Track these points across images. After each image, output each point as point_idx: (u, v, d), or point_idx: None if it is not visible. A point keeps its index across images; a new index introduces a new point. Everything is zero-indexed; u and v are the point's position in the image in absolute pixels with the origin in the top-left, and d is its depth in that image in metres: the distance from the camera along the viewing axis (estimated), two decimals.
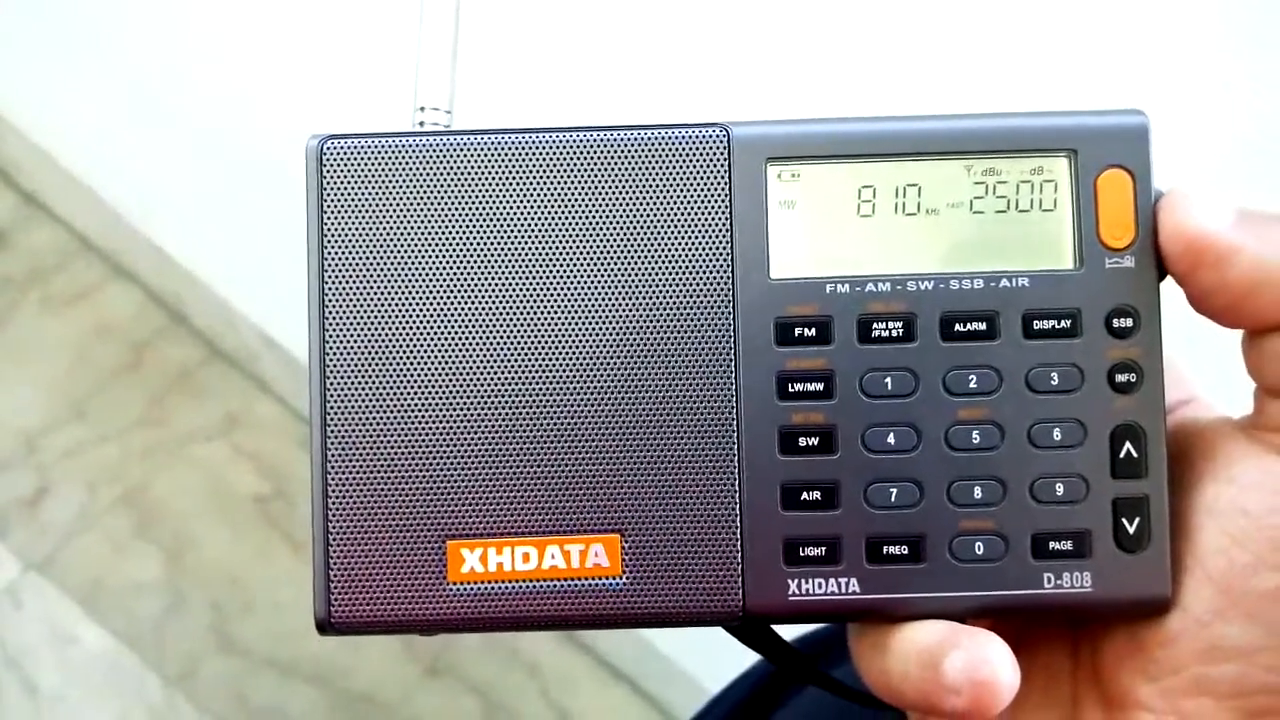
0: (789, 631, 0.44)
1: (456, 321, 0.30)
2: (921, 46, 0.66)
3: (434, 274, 0.30)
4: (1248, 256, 0.27)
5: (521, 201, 0.30)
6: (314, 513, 0.30)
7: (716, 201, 0.30)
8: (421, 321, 0.30)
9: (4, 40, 1.23)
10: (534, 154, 0.30)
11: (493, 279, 0.30)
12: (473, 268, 0.30)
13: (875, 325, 0.30)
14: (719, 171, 0.30)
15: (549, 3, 0.81)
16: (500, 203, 0.30)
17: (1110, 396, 0.30)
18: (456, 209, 0.30)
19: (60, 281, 1.32)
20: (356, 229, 0.30)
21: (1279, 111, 0.55)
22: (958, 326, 0.30)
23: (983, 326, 0.30)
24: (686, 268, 0.30)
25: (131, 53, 1.15)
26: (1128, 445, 0.30)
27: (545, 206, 0.30)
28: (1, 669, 1.07)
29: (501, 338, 0.30)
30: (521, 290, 0.30)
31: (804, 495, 0.30)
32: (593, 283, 0.30)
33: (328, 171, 0.30)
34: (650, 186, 0.30)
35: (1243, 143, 0.56)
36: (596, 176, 0.30)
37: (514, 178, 0.30)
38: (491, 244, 0.30)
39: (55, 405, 1.24)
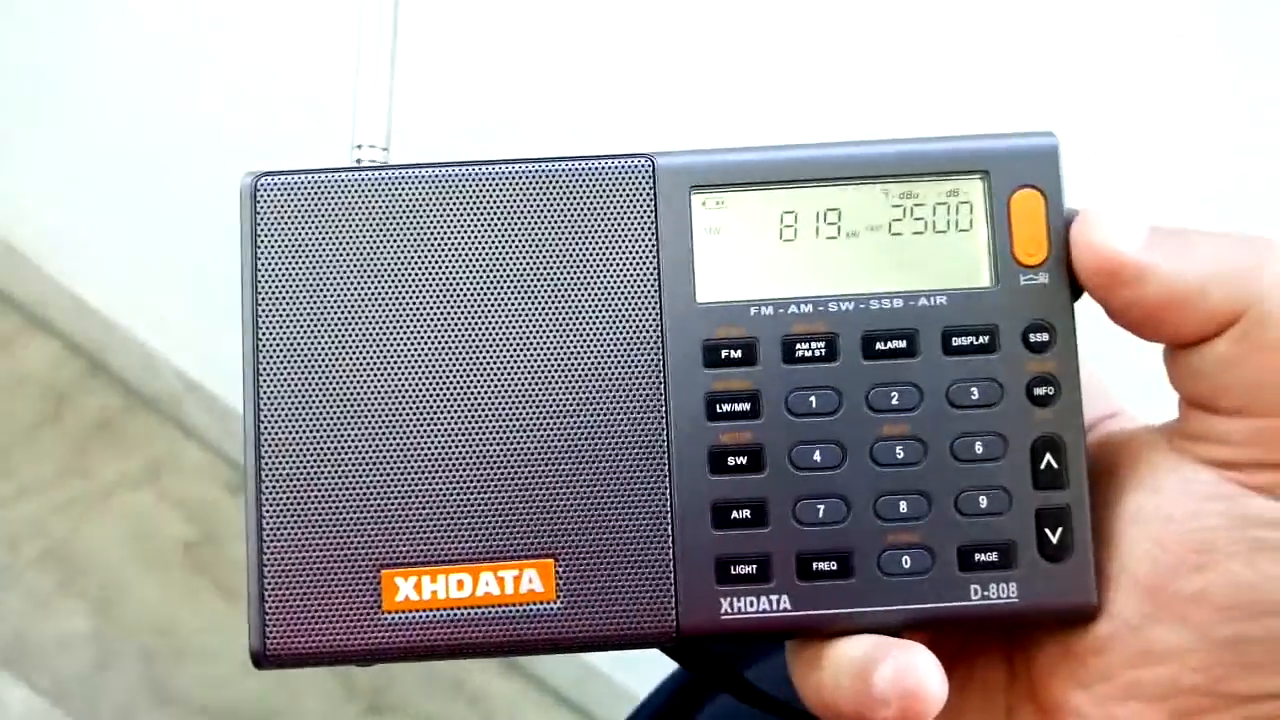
0: None
1: (389, 354, 0.30)
2: (865, 74, 0.67)
3: (366, 307, 0.30)
4: (1160, 275, 0.28)
5: (452, 233, 0.31)
6: (248, 545, 0.30)
7: (643, 229, 0.31)
8: (354, 354, 0.30)
9: None
10: (465, 186, 0.31)
11: (425, 311, 0.30)
12: (405, 301, 0.30)
13: (799, 345, 0.31)
14: (645, 200, 0.31)
15: (483, 44, 0.82)
16: (431, 235, 0.31)
17: (1029, 409, 0.30)
18: (388, 242, 0.30)
19: None
20: (290, 264, 0.30)
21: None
22: (878, 345, 0.31)
23: (903, 344, 0.31)
24: (614, 294, 0.31)
25: (41, 101, 1.14)
26: (1048, 457, 0.30)
27: (476, 237, 0.31)
28: None
29: (434, 369, 0.30)
30: (453, 322, 0.30)
31: (734, 514, 0.30)
32: (522, 312, 0.30)
33: (261, 207, 0.30)
34: (578, 215, 0.31)
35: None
36: (526, 207, 0.31)
37: (445, 210, 0.31)
38: (423, 276, 0.30)
39: None
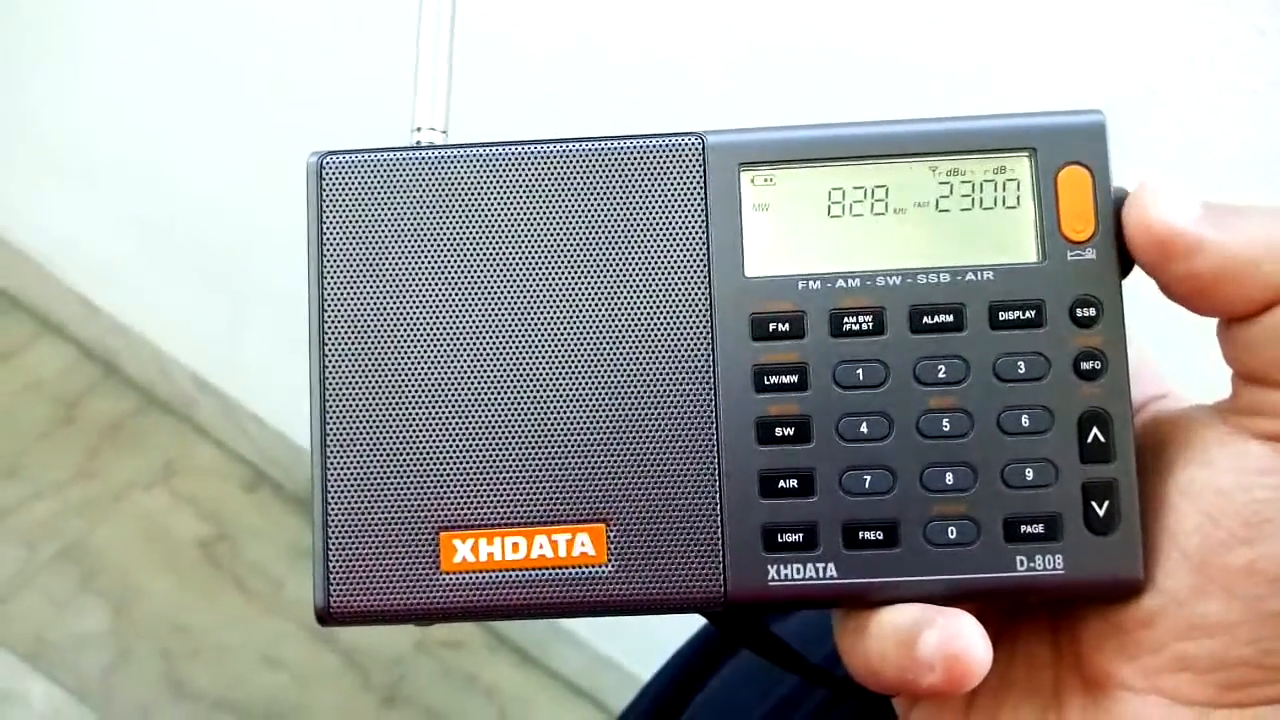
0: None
1: (450, 323, 0.31)
2: (909, 57, 0.68)
3: (429, 279, 0.32)
4: (1213, 247, 0.28)
5: (509, 209, 0.32)
6: (314, 505, 0.31)
7: (693, 205, 0.32)
8: (416, 324, 0.31)
9: None
10: (521, 164, 0.32)
11: (484, 284, 0.32)
12: (465, 274, 0.32)
13: (846, 319, 0.31)
14: (695, 177, 0.32)
15: (539, 27, 0.84)
16: (489, 210, 0.32)
17: (1076, 384, 0.30)
18: (450, 218, 0.32)
19: None
20: (354, 239, 0.32)
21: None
22: (925, 319, 0.31)
23: (950, 319, 0.31)
24: (665, 268, 0.31)
25: (47, 108, 1.16)
26: (1095, 430, 0.30)
27: (532, 213, 0.32)
28: None
29: (494, 338, 0.31)
30: (510, 294, 0.32)
31: (781, 483, 0.31)
32: (578, 285, 0.32)
33: (326, 185, 0.32)
34: (631, 192, 0.32)
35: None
36: (580, 184, 0.32)
37: (504, 187, 0.32)
38: (482, 250, 0.32)
39: None
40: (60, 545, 1.20)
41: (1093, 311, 0.31)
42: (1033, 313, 0.31)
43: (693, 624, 0.56)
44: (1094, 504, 0.30)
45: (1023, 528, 0.30)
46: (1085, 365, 0.31)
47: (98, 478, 1.26)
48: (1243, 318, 0.28)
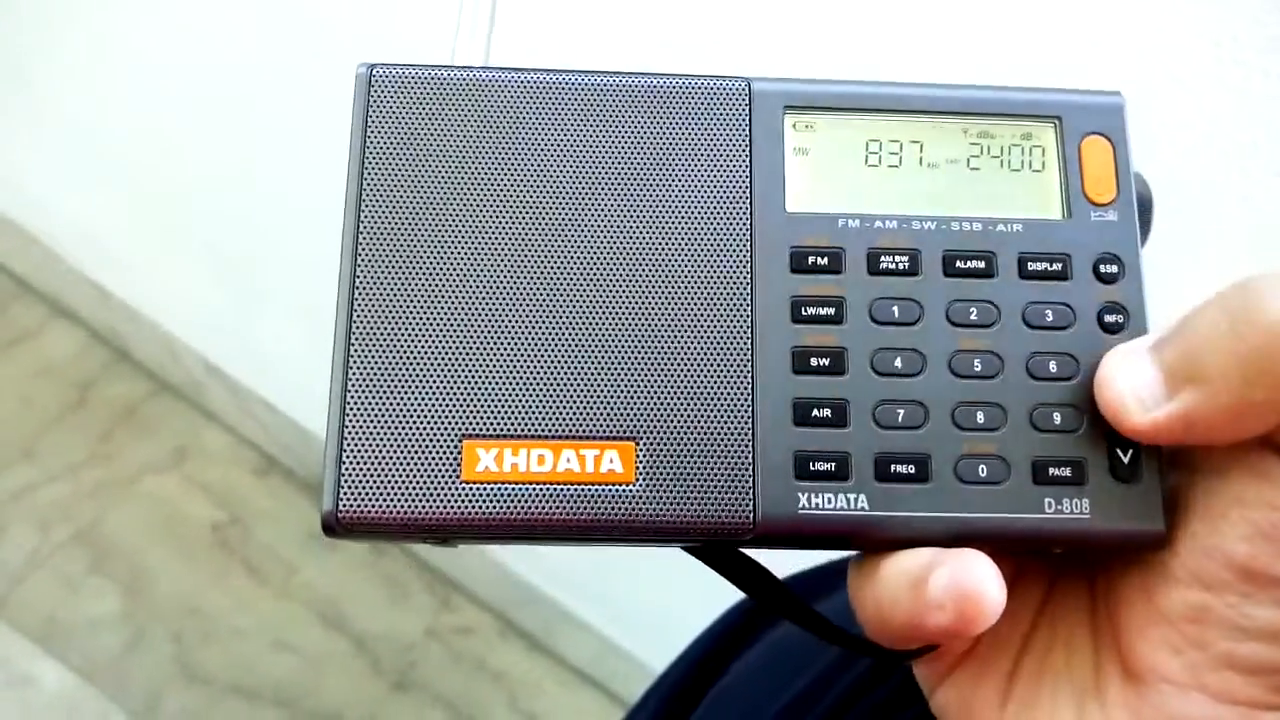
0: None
1: (486, 237, 0.31)
2: (934, 30, 0.68)
3: (467, 194, 0.31)
4: (1199, 414, 0.27)
5: (558, 133, 0.32)
6: (330, 406, 0.30)
7: (737, 143, 0.32)
8: (452, 235, 0.31)
9: None
10: (572, 91, 0.32)
11: (525, 203, 0.31)
12: (506, 192, 0.31)
13: (883, 258, 0.32)
14: (740, 117, 0.32)
15: None
16: (538, 135, 0.32)
17: (1101, 335, 0.31)
18: (493, 137, 0.32)
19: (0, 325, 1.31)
20: (398, 148, 0.31)
21: None
22: (959, 264, 0.32)
23: (981, 265, 0.32)
24: (709, 199, 0.32)
25: (59, 91, 1.16)
26: None
27: (579, 139, 0.32)
28: None
29: (532, 253, 0.31)
30: (554, 212, 0.31)
31: (815, 412, 0.31)
32: (621, 204, 0.32)
33: (375, 95, 0.32)
34: (678, 128, 0.32)
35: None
36: (630, 115, 0.32)
37: (552, 111, 0.32)
38: (525, 171, 0.32)
39: (2, 448, 1.23)
40: (73, 529, 1.21)
41: (1115, 269, 0.32)
42: (1059, 265, 0.32)
43: (706, 613, 0.56)
44: (1119, 450, 0.30)
45: (1050, 470, 0.30)
46: (1109, 318, 0.32)
47: (110, 462, 1.26)
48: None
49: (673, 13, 0.82)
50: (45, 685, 1.12)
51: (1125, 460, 0.31)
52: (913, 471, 0.30)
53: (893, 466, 0.30)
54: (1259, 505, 0.27)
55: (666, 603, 1.05)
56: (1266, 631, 0.27)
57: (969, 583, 0.27)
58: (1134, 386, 0.29)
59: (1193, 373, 0.27)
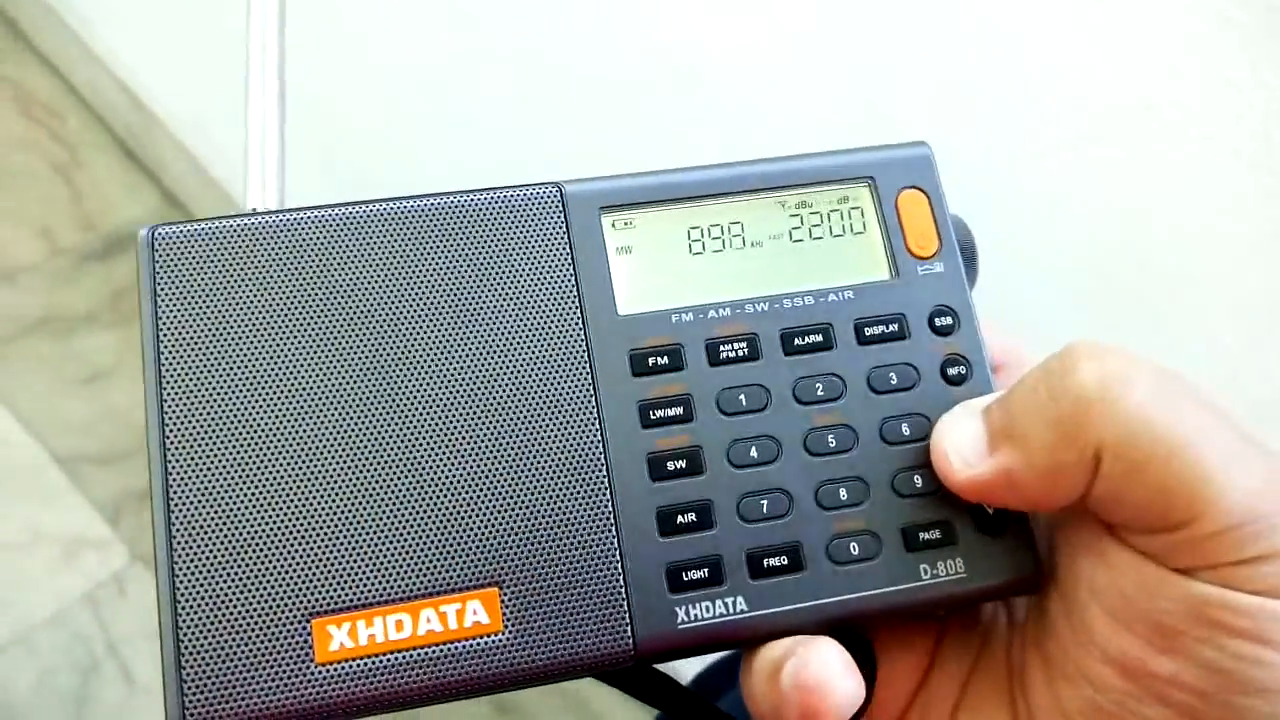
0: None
1: (302, 396, 0.29)
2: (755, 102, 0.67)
3: (275, 352, 0.29)
4: (1019, 471, 0.28)
5: (364, 271, 0.29)
6: (160, 609, 0.27)
7: (558, 253, 0.31)
8: (265, 399, 0.28)
9: (167, 40, 1.27)
10: (375, 223, 0.30)
11: (340, 349, 0.29)
12: (317, 342, 0.29)
13: (722, 348, 0.31)
14: (557, 225, 0.31)
15: (378, 92, 0.80)
16: (341, 274, 0.29)
17: (946, 389, 0.31)
18: (295, 284, 0.29)
19: None
20: (191, 313, 0.29)
21: None
22: (796, 340, 0.31)
23: (819, 339, 0.32)
24: (537, 316, 0.30)
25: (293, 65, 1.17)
26: None
27: (389, 274, 0.30)
28: (102, 654, 1.12)
29: (352, 406, 0.29)
30: (371, 357, 0.29)
31: (680, 518, 0.30)
32: (444, 341, 0.29)
33: (160, 257, 0.29)
34: (493, 245, 0.30)
35: None
36: (439, 240, 0.30)
37: (355, 247, 0.30)
38: (336, 315, 0.29)
39: None
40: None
41: (949, 320, 0.32)
42: (895, 326, 0.32)
43: None
44: (984, 506, 0.30)
45: (921, 535, 0.30)
46: (951, 370, 0.32)
47: None
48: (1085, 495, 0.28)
49: (473, 130, 0.77)
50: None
51: (990, 513, 0.31)
52: (786, 563, 0.30)
53: (765, 561, 0.30)
54: (1110, 593, 0.27)
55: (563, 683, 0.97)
56: None
57: (810, 677, 0.27)
58: (958, 443, 0.29)
59: (1011, 433, 0.28)
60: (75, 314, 1.29)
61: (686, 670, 0.61)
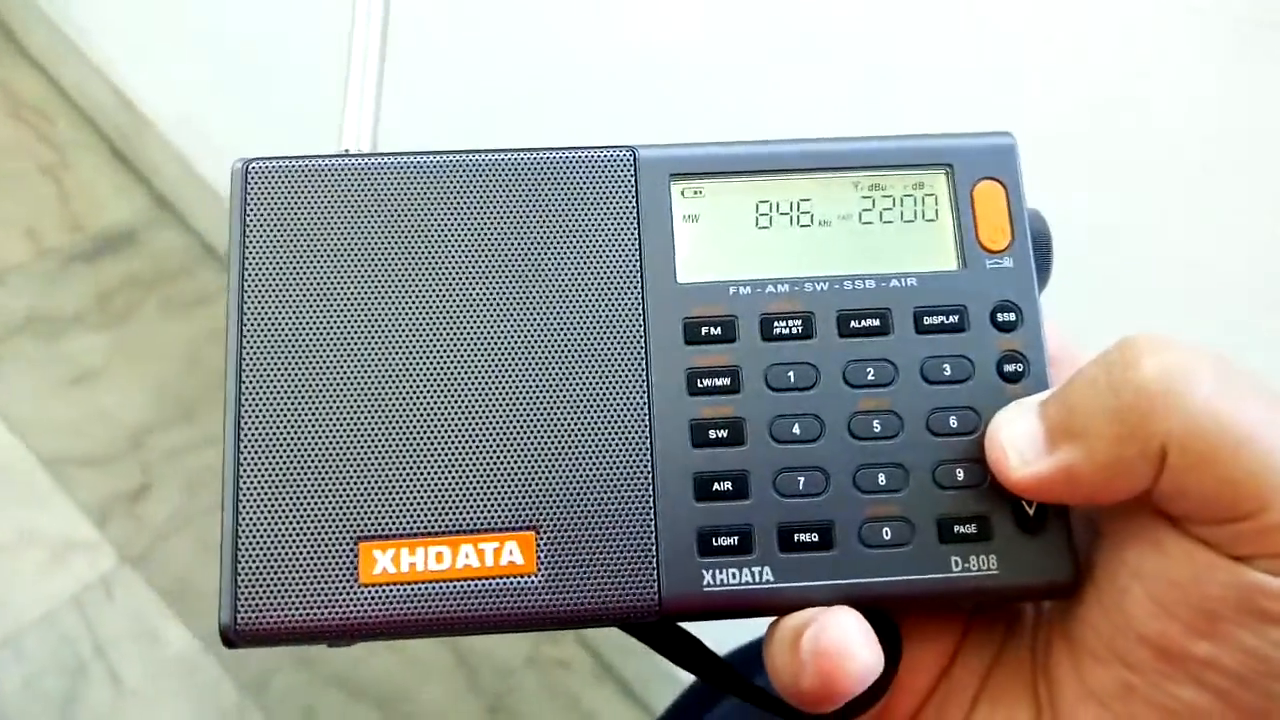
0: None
1: (372, 331, 0.30)
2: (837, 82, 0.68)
3: (351, 286, 0.30)
4: (1081, 469, 0.27)
5: (444, 215, 0.31)
6: (224, 519, 0.29)
7: (625, 215, 0.32)
8: (337, 331, 0.30)
9: (157, 42, 1.27)
10: (453, 173, 0.31)
11: (410, 291, 0.30)
12: (390, 281, 0.30)
13: (776, 324, 0.31)
14: (626, 188, 0.32)
15: (470, 40, 0.82)
16: (422, 217, 0.31)
17: (1000, 386, 0.31)
18: (378, 227, 0.31)
19: (182, 285, 1.37)
20: (278, 246, 0.31)
21: None
22: (853, 323, 0.31)
23: (876, 323, 0.31)
24: (598, 275, 0.31)
25: (288, 71, 1.18)
26: None
27: (467, 220, 0.31)
28: (89, 656, 1.11)
29: (418, 343, 0.30)
30: (439, 301, 0.30)
31: (715, 486, 0.30)
32: (510, 290, 0.31)
33: (251, 190, 0.31)
34: (563, 202, 0.31)
35: None
36: (513, 193, 0.31)
37: (434, 195, 0.31)
38: (409, 257, 0.31)
39: (165, 405, 1.29)
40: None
41: (1013, 316, 0.32)
42: (955, 317, 0.32)
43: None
44: (1024, 503, 0.30)
45: (956, 528, 0.30)
46: (1008, 368, 0.31)
47: None
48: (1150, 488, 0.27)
49: (554, 87, 0.78)
50: (167, 644, 1.16)
51: (1030, 512, 0.30)
52: (816, 540, 0.30)
53: (796, 536, 0.30)
54: (1158, 579, 0.27)
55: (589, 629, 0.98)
56: (1192, 710, 0.27)
57: (829, 643, 0.27)
58: (1015, 440, 0.29)
59: (1071, 428, 0.28)
60: (63, 315, 1.29)
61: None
